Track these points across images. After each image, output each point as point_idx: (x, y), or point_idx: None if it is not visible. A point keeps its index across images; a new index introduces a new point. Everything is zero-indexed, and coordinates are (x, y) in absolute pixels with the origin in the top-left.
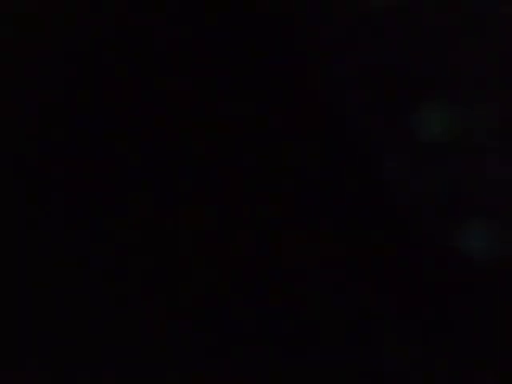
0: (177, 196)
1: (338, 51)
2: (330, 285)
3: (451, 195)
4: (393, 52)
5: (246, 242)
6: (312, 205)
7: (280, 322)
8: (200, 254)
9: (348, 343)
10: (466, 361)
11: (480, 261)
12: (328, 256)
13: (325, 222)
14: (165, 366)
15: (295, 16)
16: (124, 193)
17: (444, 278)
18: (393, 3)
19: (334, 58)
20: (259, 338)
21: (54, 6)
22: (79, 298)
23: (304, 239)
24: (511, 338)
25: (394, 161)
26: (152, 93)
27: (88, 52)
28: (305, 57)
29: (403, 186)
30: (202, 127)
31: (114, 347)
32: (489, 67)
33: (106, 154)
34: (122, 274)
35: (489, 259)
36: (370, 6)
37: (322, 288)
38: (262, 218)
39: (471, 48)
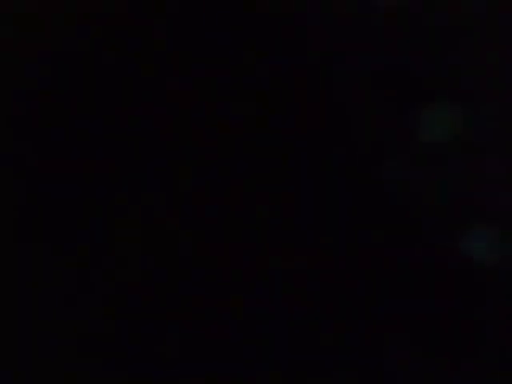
0: (176, 197)
1: (339, 52)
2: (330, 286)
3: (452, 196)
4: (393, 52)
5: (245, 243)
6: (312, 206)
7: (279, 325)
8: (200, 256)
9: (350, 345)
10: (468, 362)
11: (481, 262)
12: (328, 257)
13: (326, 223)
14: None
15: (295, 16)
16: (123, 193)
17: (445, 279)
18: (393, 3)
19: (334, 58)
20: (260, 341)
21: (54, 6)
22: (79, 299)
23: (304, 241)
24: None
25: (396, 162)
26: (152, 93)
27: (88, 52)
28: (305, 57)
29: (404, 187)
30: (202, 127)
31: (114, 352)
32: (490, 67)
33: (105, 154)
34: (122, 274)
35: (490, 261)
36: (370, 5)
37: (323, 290)
38: (261, 220)
39: (472, 48)
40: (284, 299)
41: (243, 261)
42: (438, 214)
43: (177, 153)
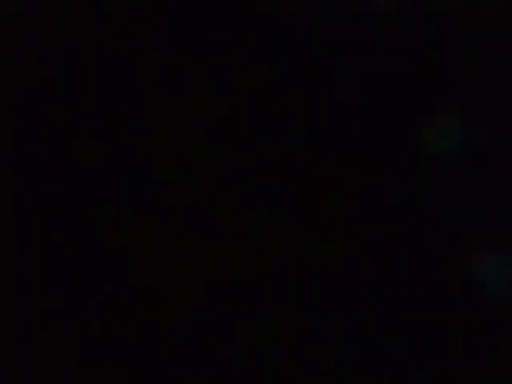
0: (176, 197)
1: (340, 53)
2: (332, 310)
3: (453, 215)
4: (393, 56)
5: (244, 242)
6: (311, 216)
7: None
8: (200, 256)
9: (348, 365)
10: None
11: (491, 291)
12: (329, 277)
13: (326, 235)
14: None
15: (295, 16)
16: (123, 193)
17: (445, 300)
18: (393, 3)
19: (334, 60)
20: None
21: (54, 6)
22: (79, 301)
23: (305, 254)
24: None
25: (395, 174)
26: (152, 93)
27: (88, 52)
28: (305, 59)
29: (404, 201)
30: (202, 127)
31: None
32: (494, 73)
33: (104, 154)
34: (122, 275)
35: (501, 290)
36: (370, 6)
37: (326, 306)
38: (261, 222)
39: (477, 53)
40: (284, 302)
41: (242, 261)
42: (447, 239)
43: (176, 153)
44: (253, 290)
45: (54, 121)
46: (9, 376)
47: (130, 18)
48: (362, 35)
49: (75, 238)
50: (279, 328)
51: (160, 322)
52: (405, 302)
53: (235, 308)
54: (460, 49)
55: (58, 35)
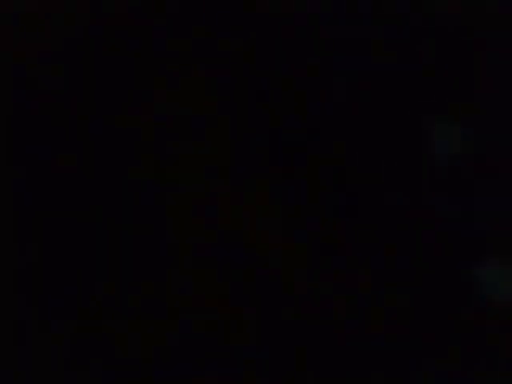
0: (173, 195)
1: (341, 54)
2: (338, 319)
3: (464, 226)
4: (395, 60)
5: (244, 242)
6: (309, 228)
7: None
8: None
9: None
10: None
11: (496, 300)
12: (331, 284)
13: (326, 242)
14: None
15: (295, 16)
16: (122, 194)
17: (457, 318)
18: (394, 6)
19: (335, 61)
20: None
21: (54, 6)
22: (79, 301)
23: (304, 263)
24: None
25: (400, 182)
26: (152, 94)
27: (88, 51)
28: (305, 61)
29: (408, 210)
30: (202, 128)
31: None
32: (502, 80)
33: (103, 155)
34: (121, 274)
35: (506, 299)
36: (370, 8)
37: (330, 317)
38: (260, 225)
39: (483, 59)
40: (285, 302)
41: (242, 262)
42: (450, 248)
43: (176, 154)
44: (253, 291)
45: (54, 120)
46: (9, 376)
47: (130, 18)
48: (362, 35)
49: (74, 237)
50: (279, 329)
51: (158, 323)
52: (405, 303)
53: (235, 309)
54: (461, 50)
55: (58, 35)
